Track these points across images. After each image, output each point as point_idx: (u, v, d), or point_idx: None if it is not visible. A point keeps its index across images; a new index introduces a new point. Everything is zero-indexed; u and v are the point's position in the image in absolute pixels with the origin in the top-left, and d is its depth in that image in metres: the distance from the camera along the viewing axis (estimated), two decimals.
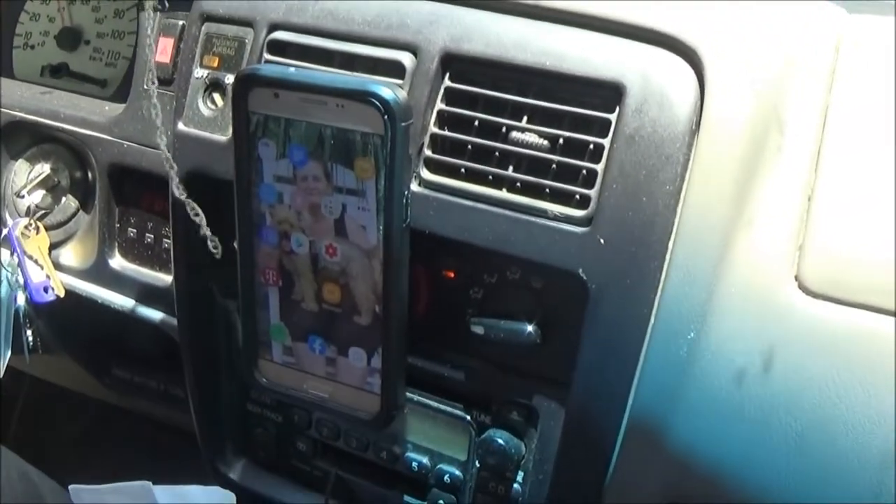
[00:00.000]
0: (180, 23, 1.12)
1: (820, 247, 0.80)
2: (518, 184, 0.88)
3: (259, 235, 0.93)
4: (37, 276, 1.21)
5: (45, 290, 1.21)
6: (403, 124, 0.84)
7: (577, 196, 0.85)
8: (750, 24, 0.85)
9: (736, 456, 0.81)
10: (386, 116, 0.83)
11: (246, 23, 1.01)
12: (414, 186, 0.91)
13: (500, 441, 0.94)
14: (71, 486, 1.20)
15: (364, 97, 0.84)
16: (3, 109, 1.24)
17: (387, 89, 0.84)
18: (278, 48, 0.99)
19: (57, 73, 1.27)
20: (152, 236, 1.19)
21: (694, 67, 0.84)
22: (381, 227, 0.87)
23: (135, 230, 1.21)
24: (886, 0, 0.97)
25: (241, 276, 0.96)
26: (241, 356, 1.00)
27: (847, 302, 0.78)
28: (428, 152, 0.91)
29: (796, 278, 0.80)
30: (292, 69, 0.95)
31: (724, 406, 0.81)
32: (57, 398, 1.64)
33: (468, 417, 0.97)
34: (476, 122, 0.90)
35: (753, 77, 0.83)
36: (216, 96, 1.04)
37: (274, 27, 0.99)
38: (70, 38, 1.28)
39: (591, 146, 0.85)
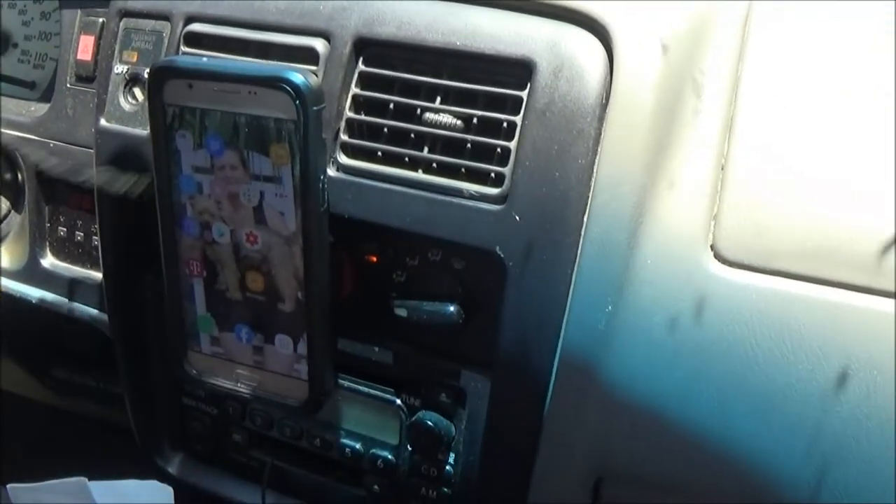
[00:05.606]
0: (100, 20, 1.12)
1: (733, 216, 0.81)
2: (434, 164, 0.88)
3: (181, 226, 0.93)
4: None
5: None
6: (315, 108, 0.84)
7: (492, 174, 0.86)
8: None
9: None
10: (297, 101, 0.83)
11: (163, 16, 1.01)
12: (331, 171, 0.91)
13: (430, 423, 0.94)
14: (9, 486, 1.20)
15: (275, 83, 0.84)
16: None
17: (297, 74, 0.84)
18: (195, 40, 0.99)
19: None
20: (82, 234, 1.19)
21: (602, 40, 0.84)
22: (298, 213, 0.87)
23: (65, 229, 1.21)
24: None
25: (165, 268, 0.95)
26: (170, 348, 1.00)
27: (762, 269, 0.79)
28: (344, 137, 0.91)
29: (712, 247, 0.81)
30: (205, 59, 0.95)
31: (654, 361, 0.81)
32: (2, 403, 1.63)
33: (398, 401, 0.97)
34: (391, 105, 0.90)
35: (663, 46, 0.83)
36: (136, 91, 1.04)
37: (190, 19, 0.99)
38: None
39: (505, 124, 0.85)
